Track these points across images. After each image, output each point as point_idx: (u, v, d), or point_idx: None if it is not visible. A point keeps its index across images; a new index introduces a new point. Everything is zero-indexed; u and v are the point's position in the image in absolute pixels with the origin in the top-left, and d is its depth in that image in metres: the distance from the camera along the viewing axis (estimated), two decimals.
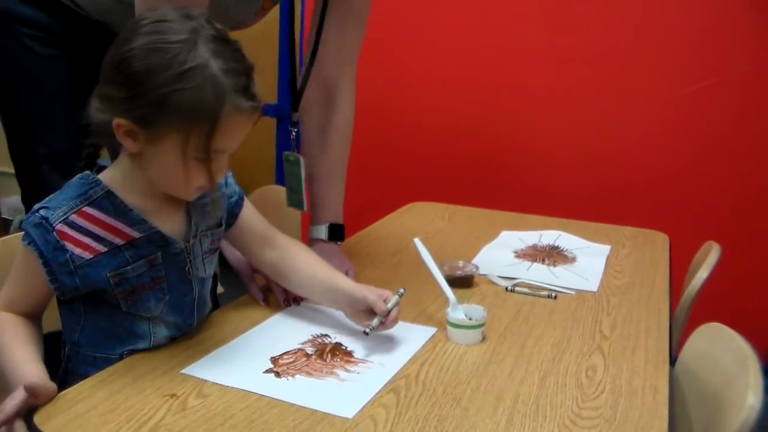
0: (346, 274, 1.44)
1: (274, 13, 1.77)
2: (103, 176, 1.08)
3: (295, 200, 1.64)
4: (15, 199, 3.61)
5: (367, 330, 1.16)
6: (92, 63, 1.56)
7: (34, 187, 1.61)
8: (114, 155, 1.11)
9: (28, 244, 1.03)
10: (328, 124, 1.61)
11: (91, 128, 1.07)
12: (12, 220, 3.62)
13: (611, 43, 2.59)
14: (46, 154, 1.59)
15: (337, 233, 1.58)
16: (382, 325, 1.17)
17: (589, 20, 2.59)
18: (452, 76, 2.83)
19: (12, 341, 1.05)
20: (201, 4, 1.29)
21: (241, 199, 1.27)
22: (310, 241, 1.57)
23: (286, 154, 1.60)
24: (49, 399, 0.96)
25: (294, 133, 1.64)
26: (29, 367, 1.00)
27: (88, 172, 1.09)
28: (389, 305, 1.18)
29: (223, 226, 1.24)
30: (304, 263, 1.29)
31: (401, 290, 1.23)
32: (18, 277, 1.08)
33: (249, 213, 1.29)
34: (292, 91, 1.63)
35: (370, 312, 1.19)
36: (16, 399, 0.93)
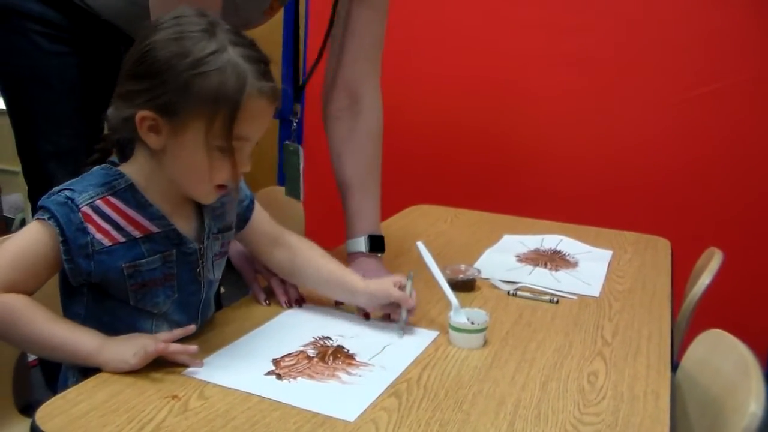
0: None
1: (280, 15, 1.77)
2: (123, 170, 1.09)
3: (292, 190, 1.63)
4: (16, 197, 3.61)
5: (401, 331, 1.23)
6: (101, 60, 1.57)
7: (40, 184, 1.61)
8: (122, 159, 1.11)
9: (48, 218, 1.02)
10: (356, 131, 1.56)
11: (108, 130, 1.08)
12: (14, 219, 3.62)
13: (615, 46, 2.59)
14: (53, 151, 1.59)
15: (376, 245, 1.52)
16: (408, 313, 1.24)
17: (594, 24, 2.59)
18: (454, 79, 2.83)
19: (49, 316, 1.04)
20: (214, 3, 1.29)
21: (252, 203, 1.28)
22: (348, 256, 1.52)
23: (287, 144, 1.59)
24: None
25: (294, 124, 1.63)
26: (83, 332, 1.05)
27: (107, 164, 1.10)
28: (408, 291, 1.24)
29: (234, 230, 1.25)
30: (318, 261, 1.31)
31: (411, 273, 1.28)
32: (24, 254, 1.03)
33: (259, 215, 1.30)
34: (294, 83, 1.63)
35: (391, 304, 1.25)
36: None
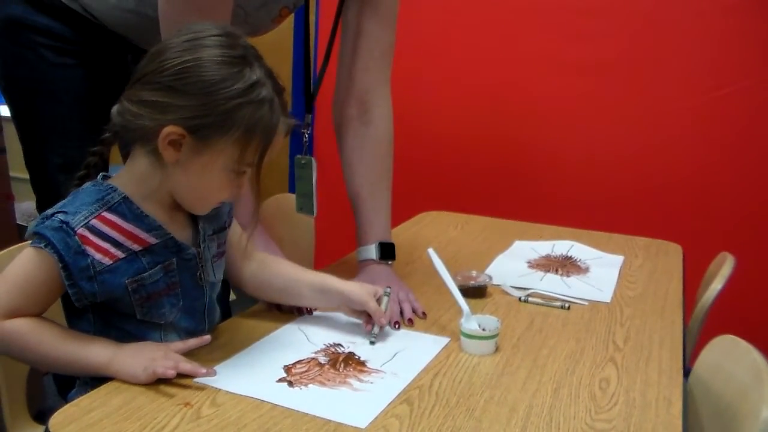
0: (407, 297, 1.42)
1: (288, 22, 1.77)
2: (115, 183, 1.08)
3: (304, 205, 1.62)
4: (29, 205, 3.64)
5: (372, 339, 1.22)
6: (108, 71, 1.57)
7: (49, 196, 1.61)
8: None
9: (45, 246, 1.01)
10: (367, 140, 1.57)
11: (112, 135, 1.08)
12: (27, 226, 3.64)
13: (624, 51, 2.58)
14: (61, 163, 1.59)
15: (387, 252, 1.51)
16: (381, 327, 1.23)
17: (603, 29, 2.58)
18: (464, 86, 2.83)
19: (56, 334, 1.05)
20: (225, 9, 1.29)
21: (231, 209, 1.26)
22: (358, 264, 1.52)
23: (298, 158, 1.59)
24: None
25: (306, 136, 1.63)
26: (92, 344, 1.05)
27: (98, 179, 1.10)
28: (383, 307, 1.24)
29: (227, 229, 1.24)
30: (289, 268, 1.31)
31: (388, 290, 1.28)
32: (24, 283, 1.03)
33: (234, 226, 1.28)
34: (306, 93, 1.63)
35: (364, 312, 1.24)
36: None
